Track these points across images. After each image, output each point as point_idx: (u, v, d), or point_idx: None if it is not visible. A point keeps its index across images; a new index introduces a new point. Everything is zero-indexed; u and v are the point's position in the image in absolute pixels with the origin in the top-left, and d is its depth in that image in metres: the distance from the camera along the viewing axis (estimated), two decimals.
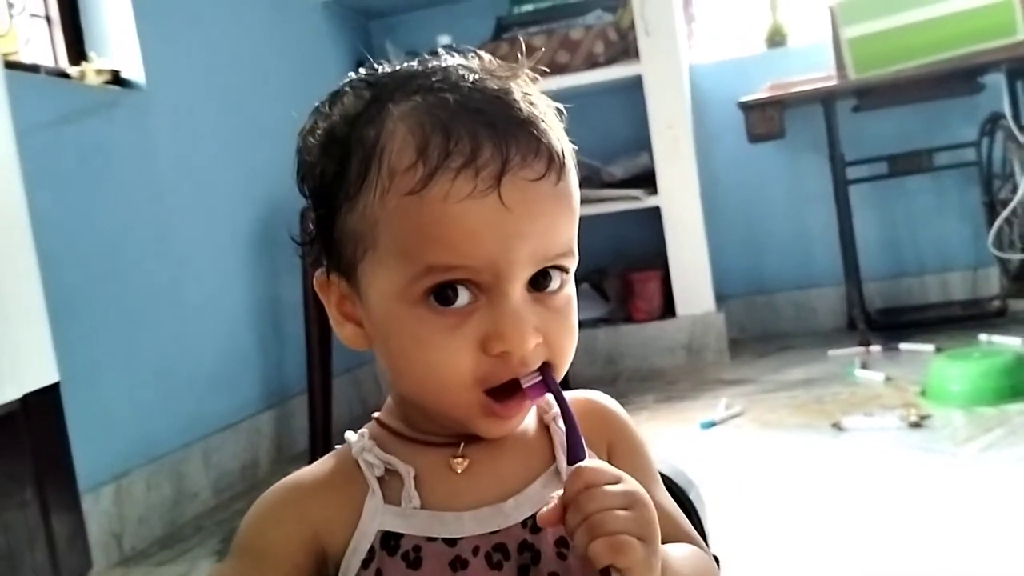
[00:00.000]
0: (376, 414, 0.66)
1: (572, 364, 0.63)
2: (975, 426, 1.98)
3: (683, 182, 2.97)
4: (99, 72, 2.11)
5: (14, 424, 1.29)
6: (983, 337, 2.66)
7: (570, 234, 0.60)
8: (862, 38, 2.75)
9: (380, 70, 0.62)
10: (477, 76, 0.59)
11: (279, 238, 2.52)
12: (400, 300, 0.58)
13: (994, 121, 2.85)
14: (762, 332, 3.24)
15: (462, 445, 0.62)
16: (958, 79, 2.77)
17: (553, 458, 0.63)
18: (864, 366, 2.57)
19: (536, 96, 0.60)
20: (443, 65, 0.60)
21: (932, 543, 1.47)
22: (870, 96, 2.86)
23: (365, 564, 0.59)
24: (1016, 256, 2.78)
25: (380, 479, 0.61)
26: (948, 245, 3.15)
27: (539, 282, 0.59)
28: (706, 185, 3.08)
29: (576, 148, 0.61)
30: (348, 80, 0.63)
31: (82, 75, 2.10)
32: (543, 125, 0.58)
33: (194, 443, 2.19)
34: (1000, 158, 2.87)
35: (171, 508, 2.08)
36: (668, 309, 3.04)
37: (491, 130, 0.56)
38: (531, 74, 0.61)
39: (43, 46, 2.14)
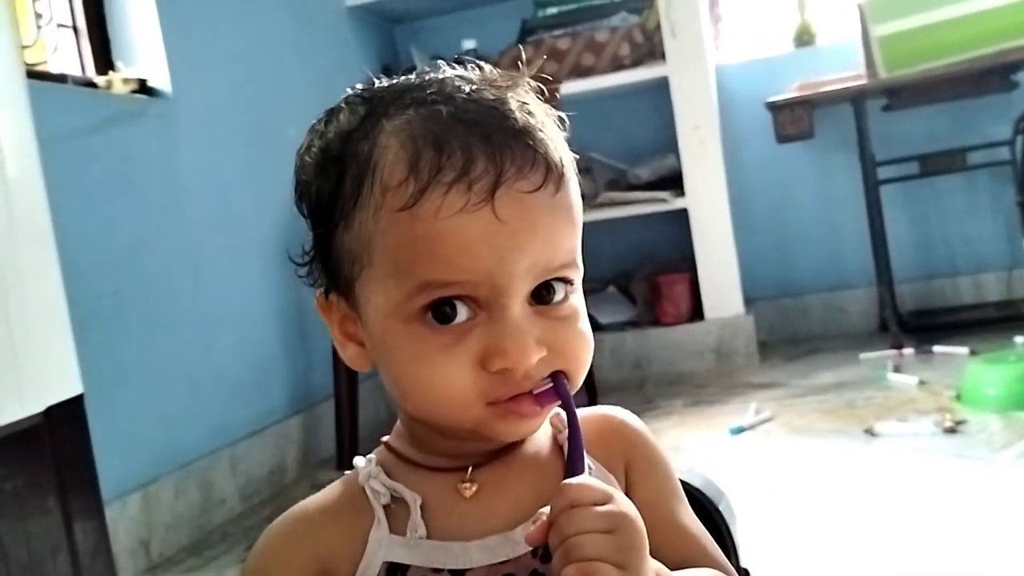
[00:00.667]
0: (385, 438, 0.65)
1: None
2: (1012, 431, 1.94)
3: (710, 184, 2.95)
4: (126, 81, 2.13)
5: (37, 437, 1.30)
6: (1018, 339, 2.61)
7: (571, 245, 0.58)
8: (892, 36, 2.71)
9: (377, 84, 0.61)
10: (474, 87, 0.57)
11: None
12: (396, 317, 0.56)
13: None
14: (792, 335, 3.21)
15: (470, 470, 0.60)
16: (990, 77, 2.73)
17: None
18: (897, 369, 2.53)
19: (534, 105, 0.58)
20: (439, 77, 0.59)
21: (968, 551, 1.44)
22: (901, 95, 2.82)
23: None
24: None
25: (386, 507, 0.60)
26: (982, 245, 3.10)
27: (542, 295, 0.57)
28: (734, 186, 3.05)
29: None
30: (345, 96, 0.61)
31: (109, 84, 2.11)
32: (540, 135, 0.57)
33: (221, 449, 2.20)
34: None
35: (199, 515, 2.09)
36: (696, 312, 3.02)
37: (485, 142, 0.54)
38: (532, 83, 0.59)
39: (70, 56, 2.15)
